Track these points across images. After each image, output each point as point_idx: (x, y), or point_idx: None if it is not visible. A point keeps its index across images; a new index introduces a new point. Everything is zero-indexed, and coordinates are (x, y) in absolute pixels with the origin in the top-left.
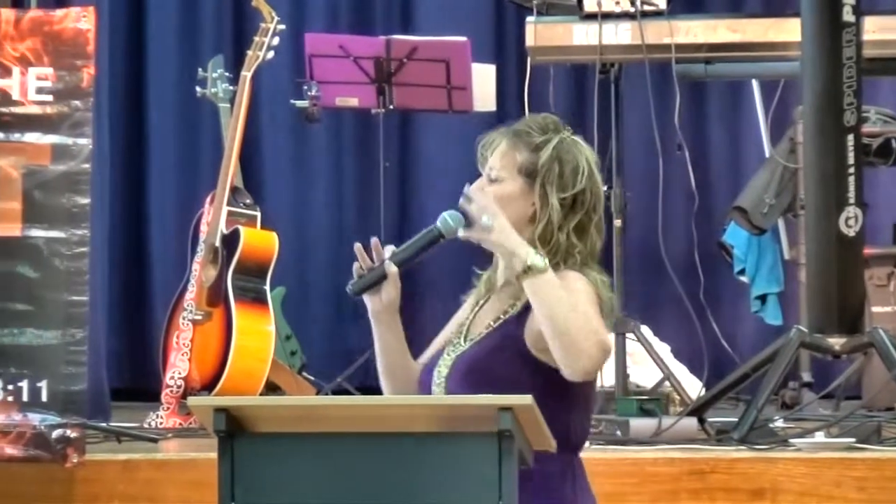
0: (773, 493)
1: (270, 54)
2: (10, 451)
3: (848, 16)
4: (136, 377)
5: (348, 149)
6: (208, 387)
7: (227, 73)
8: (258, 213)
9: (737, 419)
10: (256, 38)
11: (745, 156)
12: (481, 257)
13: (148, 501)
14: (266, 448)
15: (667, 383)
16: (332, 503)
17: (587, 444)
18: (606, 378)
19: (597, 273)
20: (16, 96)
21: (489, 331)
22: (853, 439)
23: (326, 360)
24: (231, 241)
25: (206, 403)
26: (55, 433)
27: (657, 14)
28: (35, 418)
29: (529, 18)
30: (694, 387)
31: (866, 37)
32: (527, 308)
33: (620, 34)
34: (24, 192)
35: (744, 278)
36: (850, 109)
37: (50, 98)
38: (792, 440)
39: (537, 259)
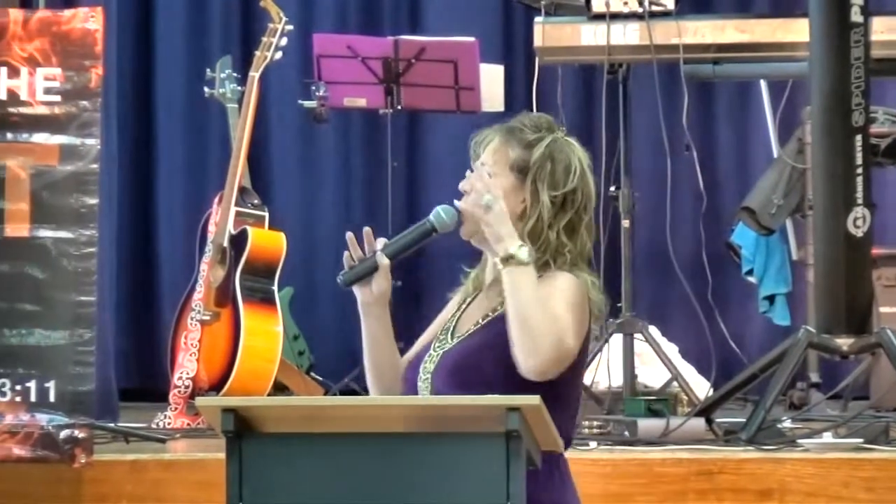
0: (781, 493)
1: (278, 55)
2: (19, 451)
3: (856, 16)
4: (144, 377)
5: (356, 149)
6: (216, 387)
7: (235, 74)
8: (266, 214)
9: (745, 420)
10: (264, 39)
11: (753, 156)
12: (469, 257)
13: (156, 502)
14: (274, 448)
15: (675, 384)
16: (340, 503)
17: (594, 444)
18: (614, 378)
19: (587, 274)
20: (24, 97)
21: (477, 328)
22: (861, 440)
23: (334, 360)
24: (239, 241)
25: (215, 404)
26: (63, 433)
27: (665, 14)
28: (43, 419)
29: (538, 19)
30: (702, 387)
31: (874, 37)
32: None
33: (628, 34)
34: (33, 192)
35: (752, 279)
36: (858, 110)
37: (58, 98)
38: (800, 441)
39: (523, 251)
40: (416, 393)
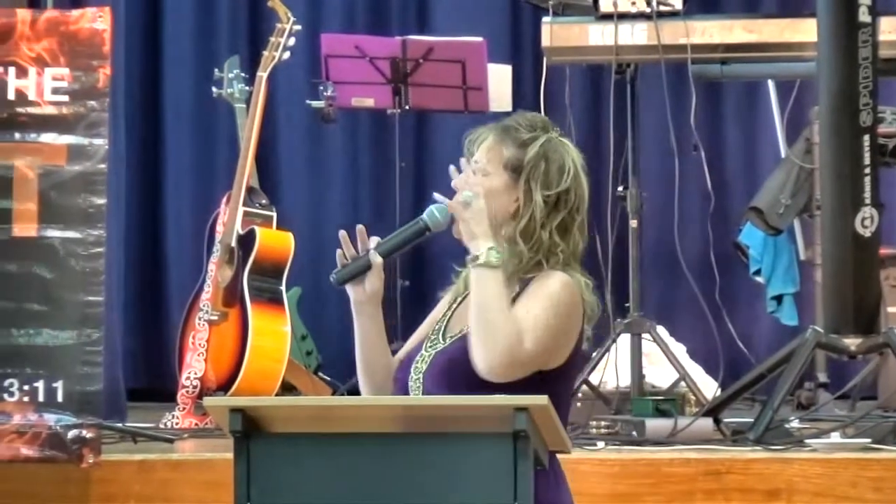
0: (789, 493)
1: (286, 55)
2: (26, 451)
3: (864, 16)
4: (151, 377)
5: (364, 149)
6: (224, 387)
7: (242, 74)
8: (274, 214)
9: (752, 420)
10: (272, 39)
11: (760, 156)
12: (461, 257)
13: (164, 502)
14: (282, 448)
15: (682, 384)
16: (348, 503)
17: (602, 444)
18: (622, 378)
19: (580, 275)
20: (32, 97)
21: (469, 329)
22: (869, 440)
23: (342, 360)
24: (247, 241)
25: (222, 404)
26: (71, 433)
27: (673, 14)
28: (51, 419)
29: (545, 19)
30: (710, 387)
31: (882, 37)
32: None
33: (636, 34)
34: (41, 192)
35: (759, 279)
36: (865, 110)
37: (66, 98)
38: (808, 441)
39: (491, 254)
40: (406, 393)
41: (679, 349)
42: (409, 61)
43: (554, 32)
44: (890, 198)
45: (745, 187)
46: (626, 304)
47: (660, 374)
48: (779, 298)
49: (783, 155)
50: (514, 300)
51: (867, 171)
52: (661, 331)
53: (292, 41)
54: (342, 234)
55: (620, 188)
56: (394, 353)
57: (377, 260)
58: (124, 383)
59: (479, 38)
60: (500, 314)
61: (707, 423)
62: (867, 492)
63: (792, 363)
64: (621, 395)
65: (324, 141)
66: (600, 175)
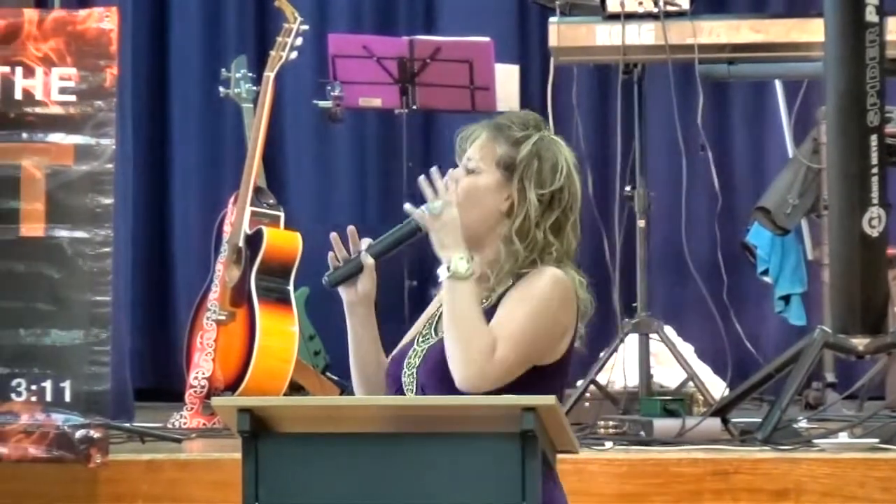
0: (797, 493)
1: (294, 54)
2: (34, 451)
3: (871, 16)
4: (159, 377)
5: (371, 149)
6: (232, 387)
7: (250, 74)
8: (281, 214)
9: (760, 420)
10: (279, 39)
11: (768, 156)
12: None
13: (172, 502)
14: (290, 448)
15: (690, 384)
16: (356, 503)
17: (610, 444)
18: (630, 378)
19: (574, 272)
20: (39, 96)
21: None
22: (877, 440)
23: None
24: (254, 241)
25: (230, 404)
26: (78, 433)
27: (680, 14)
28: (58, 418)
29: (552, 19)
30: (717, 387)
31: (890, 37)
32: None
33: (643, 34)
34: (48, 192)
35: (767, 279)
36: (873, 110)
37: (73, 98)
38: (816, 441)
39: (461, 265)
40: (400, 388)
41: (687, 349)
42: (416, 61)
43: (561, 32)
44: None
45: (753, 187)
46: (634, 304)
47: (668, 374)
48: (786, 298)
49: (790, 155)
50: (504, 293)
51: (875, 171)
52: (669, 331)
53: (299, 41)
54: (333, 236)
55: (628, 188)
56: None
57: (369, 261)
58: (132, 383)
59: (487, 38)
60: (473, 329)
61: (715, 423)
62: (875, 492)
63: (800, 363)
64: (629, 395)
65: (331, 141)
66: (607, 175)
